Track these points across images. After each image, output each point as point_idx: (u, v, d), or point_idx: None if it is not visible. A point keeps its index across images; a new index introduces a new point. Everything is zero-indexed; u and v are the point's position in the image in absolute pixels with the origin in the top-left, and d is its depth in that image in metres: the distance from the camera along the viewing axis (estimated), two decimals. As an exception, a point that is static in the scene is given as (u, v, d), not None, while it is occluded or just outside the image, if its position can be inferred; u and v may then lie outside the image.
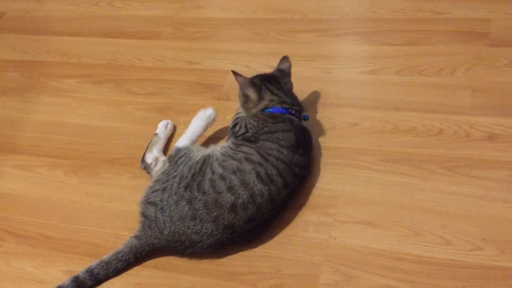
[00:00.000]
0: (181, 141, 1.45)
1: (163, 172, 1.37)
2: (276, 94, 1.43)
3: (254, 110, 1.43)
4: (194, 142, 1.47)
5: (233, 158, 1.30)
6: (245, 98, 1.44)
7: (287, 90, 1.46)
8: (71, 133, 1.71)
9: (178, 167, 1.33)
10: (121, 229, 1.38)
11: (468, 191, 1.29)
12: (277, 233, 1.30)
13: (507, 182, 1.28)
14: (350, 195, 1.34)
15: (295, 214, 1.32)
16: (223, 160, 1.30)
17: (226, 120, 1.61)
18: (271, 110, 1.41)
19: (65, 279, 1.24)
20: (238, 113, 1.49)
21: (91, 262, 1.26)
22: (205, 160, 1.31)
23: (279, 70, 1.49)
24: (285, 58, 1.50)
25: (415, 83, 1.59)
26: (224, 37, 1.98)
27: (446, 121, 1.46)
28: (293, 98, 1.46)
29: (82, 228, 1.42)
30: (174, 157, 1.39)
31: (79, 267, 1.26)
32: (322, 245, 1.25)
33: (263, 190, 1.24)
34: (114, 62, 1.97)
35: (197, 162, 1.31)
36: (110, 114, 1.75)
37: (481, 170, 1.32)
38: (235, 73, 1.42)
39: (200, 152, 1.36)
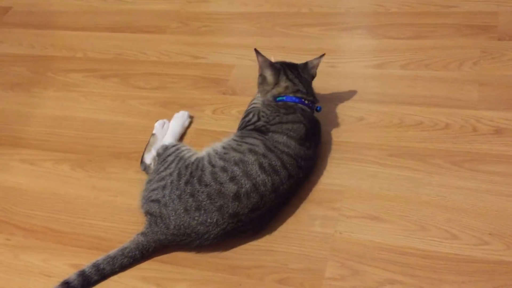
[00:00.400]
0: (166, 139, 1.50)
1: (154, 171, 1.37)
2: (291, 80, 1.43)
3: (269, 94, 1.44)
4: (177, 139, 1.53)
5: (235, 150, 1.30)
6: (262, 79, 1.47)
7: (304, 79, 1.46)
8: (78, 128, 1.72)
9: (170, 164, 1.34)
10: (128, 223, 1.38)
11: (474, 186, 1.28)
12: (283, 227, 1.30)
13: (514, 177, 1.28)
14: (356, 190, 1.34)
15: (301, 209, 1.33)
16: (225, 153, 1.30)
17: (231, 114, 1.62)
18: (284, 98, 1.42)
19: (72, 273, 1.25)
20: (252, 104, 1.49)
21: (97, 256, 1.27)
22: (200, 161, 1.31)
23: (306, 62, 1.49)
24: (322, 56, 1.48)
25: (421, 77, 1.59)
26: (230, 31, 1.97)
27: (453, 115, 1.45)
28: (308, 87, 1.46)
29: (88, 222, 1.42)
30: (162, 155, 1.40)
31: (86, 260, 1.27)
32: (328, 240, 1.25)
33: (266, 180, 1.24)
34: (120, 56, 1.97)
35: (192, 163, 1.31)
36: (116, 109, 1.75)
37: (487, 165, 1.32)
38: (257, 51, 1.44)
39: (193, 154, 1.37)
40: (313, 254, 1.23)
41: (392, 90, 1.57)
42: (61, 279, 1.23)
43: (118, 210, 1.43)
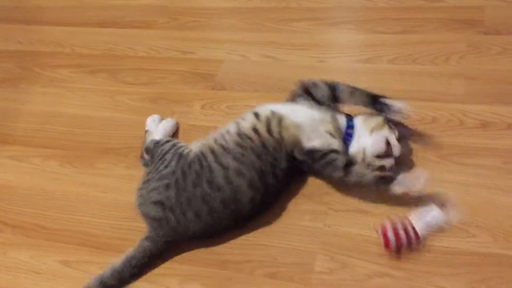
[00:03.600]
0: (156, 135, 1.47)
1: (152, 170, 1.32)
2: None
3: None
4: (167, 136, 1.49)
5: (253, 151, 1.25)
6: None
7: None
8: (66, 124, 1.71)
9: (170, 162, 1.29)
10: (117, 219, 1.38)
11: (462, 179, 1.29)
12: (273, 222, 1.30)
13: (500, 170, 1.29)
14: (344, 184, 1.34)
15: (291, 203, 1.33)
16: (242, 155, 1.24)
17: (220, 110, 1.61)
18: None
19: (61, 269, 1.24)
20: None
21: (87, 252, 1.27)
22: (201, 159, 1.26)
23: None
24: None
25: (408, 71, 1.60)
26: (219, 26, 1.97)
27: (440, 109, 1.46)
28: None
29: (77, 218, 1.42)
30: (156, 150, 1.36)
31: (75, 257, 1.27)
32: (317, 233, 1.26)
33: (274, 184, 1.27)
34: (108, 52, 1.96)
35: (194, 161, 1.27)
36: (105, 104, 1.74)
37: (474, 158, 1.33)
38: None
39: (190, 150, 1.31)
40: (303, 248, 1.24)
41: (380, 85, 1.57)
42: (50, 276, 1.23)
43: (107, 206, 1.43)
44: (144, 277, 1.25)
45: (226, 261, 1.25)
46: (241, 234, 1.29)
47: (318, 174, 1.33)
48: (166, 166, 1.29)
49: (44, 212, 1.45)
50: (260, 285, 1.20)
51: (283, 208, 1.32)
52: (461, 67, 1.56)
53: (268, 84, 1.65)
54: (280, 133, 1.27)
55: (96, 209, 1.43)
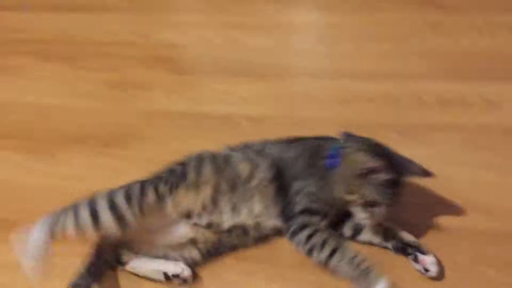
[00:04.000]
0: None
1: None
2: None
3: None
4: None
5: None
6: None
7: None
8: (22, 113, 1.65)
9: None
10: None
11: (423, 155, 1.32)
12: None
13: (459, 145, 1.33)
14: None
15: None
16: None
17: (181, 94, 1.59)
18: None
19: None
20: None
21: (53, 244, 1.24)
22: None
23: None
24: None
25: (368, 50, 1.61)
26: (181, 9, 1.95)
27: (399, 88, 1.49)
28: None
29: (41, 209, 1.37)
30: None
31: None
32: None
33: None
34: (65, 37, 1.91)
35: None
36: (62, 91, 1.70)
37: (434, 134, 1.36)
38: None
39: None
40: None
41: (341, 65, 1.59)
42: (11, 269, 1.20)
43: (70, 195, 1.35)
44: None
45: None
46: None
47: None
48: None
49: (4, 205, 1.41)
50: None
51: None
52: (419, 45, 1.59)
53: (232, 67, 1.65)
54: None
55: (58, 198, 1.38)
